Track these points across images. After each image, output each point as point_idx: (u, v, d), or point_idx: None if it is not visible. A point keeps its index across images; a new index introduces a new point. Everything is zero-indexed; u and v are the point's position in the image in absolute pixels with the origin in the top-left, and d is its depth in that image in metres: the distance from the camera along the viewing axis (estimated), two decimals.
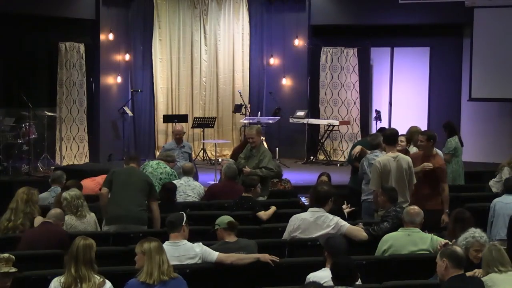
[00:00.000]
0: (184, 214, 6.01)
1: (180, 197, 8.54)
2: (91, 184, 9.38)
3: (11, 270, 5.02)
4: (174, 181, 8.69)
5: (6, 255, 5.20)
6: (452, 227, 6.31)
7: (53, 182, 8.77)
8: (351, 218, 7.28)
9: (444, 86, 15.06)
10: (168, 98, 15.60)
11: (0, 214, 7.03)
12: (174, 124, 14.90)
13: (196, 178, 10.72)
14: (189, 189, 8.87)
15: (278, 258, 5.96)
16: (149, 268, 5.06)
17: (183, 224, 5.87)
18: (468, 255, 5.53)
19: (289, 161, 14.48)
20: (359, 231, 6.63)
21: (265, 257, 5.92)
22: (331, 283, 5.29)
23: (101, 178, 9.01)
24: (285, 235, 6.70)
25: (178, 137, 10.98)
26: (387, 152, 7.89)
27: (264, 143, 10.93)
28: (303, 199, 8.33)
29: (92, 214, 7.24)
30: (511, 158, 9.56)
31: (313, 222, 6.53)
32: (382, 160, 7.69)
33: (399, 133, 8.34)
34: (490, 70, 14.05)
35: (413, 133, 9.14)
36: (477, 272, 5.34)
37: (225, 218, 6.23)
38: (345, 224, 6.59)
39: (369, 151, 8.55)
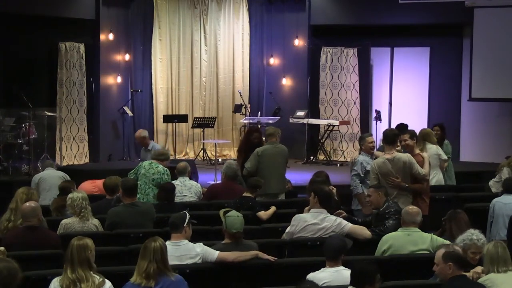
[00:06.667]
0: (187, 214, 5.96)
1: (177, 198, 8.39)
2: (90, 187, 9.32)
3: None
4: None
5: (2, 248, 5.24)
6: (448, 227, 6.36)
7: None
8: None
9: (444, 86, 15.04)
10: (168, 98, 15.59)
11: (0, 214, 7.03)
12: (173, 124, 14.97)
13: (196, 178, 10.69)
14: (185, 189, 8.81)
15: (275, 258, 5.96)
16: (137, 270, 5.06)
17: (185, 225, 5.85)
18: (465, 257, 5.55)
19: (289, 161, 14.40)
20: (362, 229, 6.67)
21: (264, 254, 5.94)
22: (330, 284, 5.30)
23: (100, 182, 8.77)
24: (286, 235, 6.70)
25: (138, 142, 11.03)
26: (385, 152, 7.84)
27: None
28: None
29: (96, 220, 7.06)
30: (511, 158, 9.57)
31: (315, 223, 6.54)
32: (377, 162, 7.69)
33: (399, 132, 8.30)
34: (490, 70, 14.03)
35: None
36: (478, 269, 5.35)
37: (234, 227, 6.03)
38: (347, 224, 6.62)
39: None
